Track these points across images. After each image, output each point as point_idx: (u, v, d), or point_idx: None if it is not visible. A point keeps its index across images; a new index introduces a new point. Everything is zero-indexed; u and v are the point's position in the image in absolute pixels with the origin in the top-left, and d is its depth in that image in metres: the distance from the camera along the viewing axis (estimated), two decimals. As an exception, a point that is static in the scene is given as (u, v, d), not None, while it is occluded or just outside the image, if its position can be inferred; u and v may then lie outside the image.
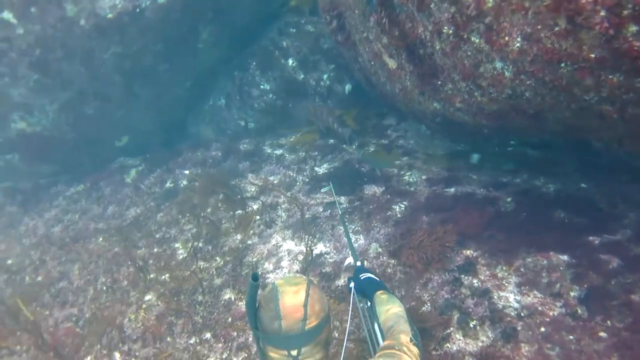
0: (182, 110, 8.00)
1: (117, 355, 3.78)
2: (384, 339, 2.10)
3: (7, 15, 5.08)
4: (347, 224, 4.44)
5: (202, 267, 4.43)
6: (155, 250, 4.84)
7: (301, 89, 7.03)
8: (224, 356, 3.60)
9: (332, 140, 6.04)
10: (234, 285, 4.19)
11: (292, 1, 7.37)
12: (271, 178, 5.61)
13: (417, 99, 3.86)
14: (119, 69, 6.06)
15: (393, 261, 3.97)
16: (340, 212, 3.18)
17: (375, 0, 3.46)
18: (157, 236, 5.07)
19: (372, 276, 2.46)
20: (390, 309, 2.20)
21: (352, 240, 3.20)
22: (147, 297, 4.26)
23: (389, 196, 4.73)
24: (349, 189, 4.98)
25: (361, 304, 2.43)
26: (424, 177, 4.89)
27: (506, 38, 2.63)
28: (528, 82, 2.75)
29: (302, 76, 7.01)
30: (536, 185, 4.40)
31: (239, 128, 7.53)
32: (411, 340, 2.04)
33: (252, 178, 5.64)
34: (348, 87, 6.94)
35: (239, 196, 5.21)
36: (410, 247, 3.91)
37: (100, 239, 5.22)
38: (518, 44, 2.59)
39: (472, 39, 2.86)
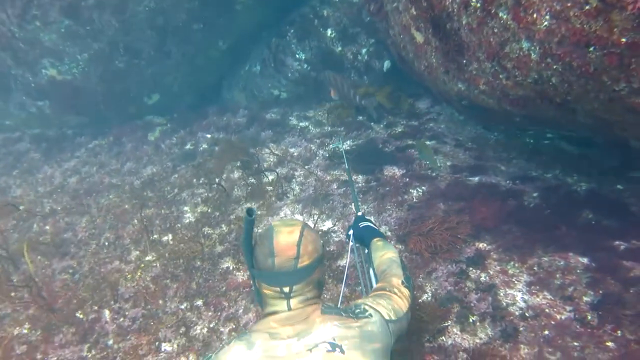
0: (216, 73, 8.02)
1: (106, 312, 3.87)
2: (377, 282, 2.26)
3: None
4: (358, 199, 4.40)
5: (206, 232, 4.47)
6: (163, 211, 4.90)
7: (338, 61, 6.91)
8: (211, 325, 3.63)
9: (361, 117, 5.94)
10: (234, 255, 4.21)
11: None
12: (292, 150, 5.58)
13: (442, 77, 3.71)
14: (152, 23, 6.11)
15: (400, 246, 3.89)
16: (347, 167, 3.27)
17: (404, -34, 3.32)
18: (168, 197, 5.14)
19: (371, 225, 2.63)
20: (384, 254, 2.37)
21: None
22: (147, 258, 4.33)
23: (407, 179, 4.61)
24: (368, 168, 4.89)
25: (358, 250, 2.63)
26: (448, 164, 4.74)
27: (534, 15, 2.46)
28: (554, 67, 2.58)
29: (339, 48, 6.88)
30: (567, 182, 4.19)
31: (271, 97, 7.51)
32: (402, 283, 2.21)
33: (273, 148, 5.62)
34: (387, 64, 6.76)
35: (256, 165, 5.21)
36: (420, 234, 3.81)
37: (112, 195, 5.34)
38: (546, 23, 2.42)
39: (500, 14, 2.70)
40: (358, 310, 2.02)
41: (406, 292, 2.21)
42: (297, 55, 7.07)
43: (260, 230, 2.02)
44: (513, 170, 4.47)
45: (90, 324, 3.79)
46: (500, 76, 3.05)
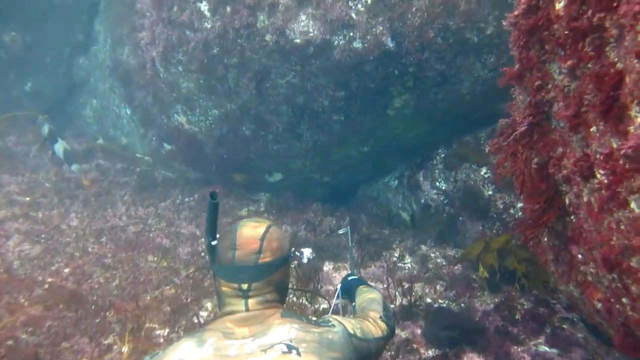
0: (353, 175, 7.67)
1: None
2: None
3: (204, 6, 5.44)
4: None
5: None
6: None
7: (482, 207, 6.01)
8: None
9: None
10: None
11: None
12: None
13: (551, 266, 2.70)
14: (290, 100, 6.00)
15: None
16: (351, 245, 3.46)
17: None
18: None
19: (360, 278, 2.79)
20: (367, 295, 2.48)
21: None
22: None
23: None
24: (442, 337, 3.89)
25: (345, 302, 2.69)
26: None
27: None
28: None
29: (489, 192, 5.99)
30: None
31: (398, 217, 6.86)
32: (380, 317, 2.27)
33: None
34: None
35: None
36: None
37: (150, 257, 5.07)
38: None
39: (632, 204, 1.76)
40: (321, 320, 2.06)
41: (382, 324, 2.24)
42: (437, 184, 6.35)
43: (226, 227, 2.08)
44: None
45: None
46: (623, 299, 2.02)
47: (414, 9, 5.32)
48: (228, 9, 5.35)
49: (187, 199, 6.29)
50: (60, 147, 6.32)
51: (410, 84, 5.93)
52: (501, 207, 5.86)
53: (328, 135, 6.46)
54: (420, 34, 5.42)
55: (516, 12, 2.60)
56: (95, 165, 6.80)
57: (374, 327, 2.21)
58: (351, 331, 2.04)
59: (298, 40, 5.35)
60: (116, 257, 4.85)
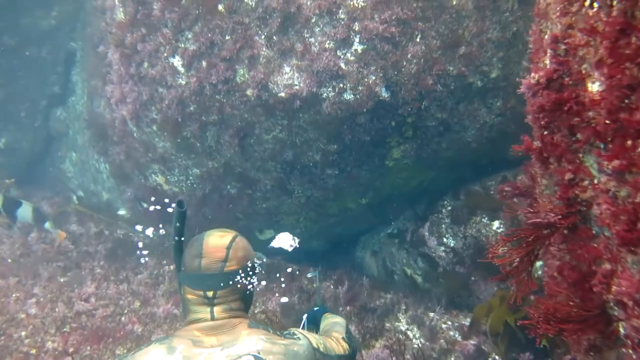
0: (352, 227, 7.19)
1: None
2: None
3: (177, 61, 5.00)
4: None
5: None
6: None
7: (499, 263, 5.50)
8: None
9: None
10: None
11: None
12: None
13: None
14: (278, 155, 5.53)
15: None
16: (318, 285, 3.33)
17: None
18: None
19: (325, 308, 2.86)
20: (330, 320, 2.64)
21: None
22: None
23: None
24: None
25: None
26: None
27: None
28: None
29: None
30: None
31: (405, 278, 6.33)
32: (343, 338, 2.39)
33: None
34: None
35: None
36: None
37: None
38: None
39: None
40: (286, 332, 2.13)
41: (344, 344, 2.35)
42: (445, 240, 5.84)
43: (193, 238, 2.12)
44: None
45: None
46: None
47: (409, 56, 4.88)
48: (204, 63, 4.91)
49: (166, 268, 5.74)
50: (26, 209, 5.81)
51: (409, 134, 5.47)
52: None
53: (322, 190, 5.97)
54: (418, 82, 4.98)
55: (535, 77, 2.12)
56: (67, 232, 6.28)
57: (337, 345, 2.30)
58: (315, 345, 2.12)
59: (282, 94, 4.90)
60: (79, 352, 4.27)
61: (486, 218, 5.62)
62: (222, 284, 2.05)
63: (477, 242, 5.57)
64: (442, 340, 4.64)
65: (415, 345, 4.61)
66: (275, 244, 4.95)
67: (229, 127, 5.27)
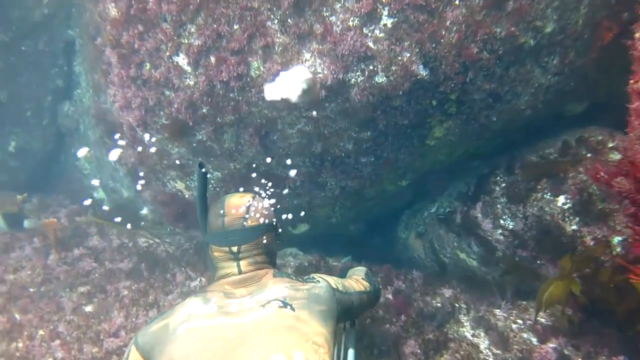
0: (391, 206, 6.70)
1: None
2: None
3: (182, 60, 4.41)
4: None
5: None
6: None
7: (569, 243, 4.87)
8: None
9: None
10: None
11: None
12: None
13: None
14: (305, 150, 4.98)
15: None
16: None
17: None
18: None
19: None
20: (353, 269, 3.08)
21: None
22: None
23: None
24: None
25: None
26: None
27: None
28: None
29: (573, 227, 4.79)
30: None
31: (458, 261, 5.83)
32: (363, 278, 2.76)
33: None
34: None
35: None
36: None
37: None
38: None
39: None
40: (307, 277, 2.41)
41: (365, 282, 2.69)
42: (502, 222, 5.26)
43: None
44: None
45: None
46: None
47: (448, 23, 4.20)
48: (212, 59, 4.30)
49: (194, 283, 5.32)
50: None
51: (453, 110, 4.84)
52: (591, 243, 4.73)
53: (357, 179, 5.43)
54: (460, 52, 4.31)
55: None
56: (88, 249, 5.90)
57: (356, 284, 2.56)
58: (334, 286, 2.35)
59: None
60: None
61: (549, 193, 4.99)
62: (244, 239, 2.33)
63: (540, 222, 4.97)
64: (515, 348, 4.14)
65: (487, 358, 4.12)
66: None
67: (248, 126, 4.72)
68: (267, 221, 2.40)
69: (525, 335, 4.24)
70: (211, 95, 4.42)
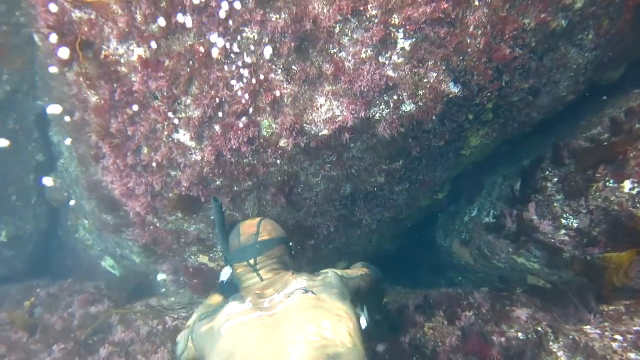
0: (424, 215, 6.30)
1: None
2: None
3: (184, 136, 3.90)
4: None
5: None
6: None
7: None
8: None
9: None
10: None
11: None
12: None
13: None
14: (334, 194, 4.53)
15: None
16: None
17: None
18: None
19: None
20: (354, 264, 3.49)
21: None
22: None
23: None
24: None
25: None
26: None
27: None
28: None
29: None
30: None
31: (515, 265, 5.41)
32: (363, 265, 3.31)
33: None
34: None
35: None
36: None
37: None
38: None
39: None
40: (318, 273, 2.86)
41: (364, 269, 3.20)
42: (564, 221, 4.82)
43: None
44: None
45: None
46: None
47: (471, 29, 3.70)
48: (217, 128, 3.80)
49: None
50: None
51: (489, 117, 4.38)
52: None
53: (394, 209, 5.00)
54: (491, 57, 3.83)
55: None
56: (115, 345, 5.43)
57: (357, 270, 3.13)
58: (340, 274, 2.86)
59: (325, 132, 3.82)
60: None
61: (611, 181, 4.54)
62: (258, 251, 2.82)
63: (608, 214, 4.53)
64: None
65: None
66: None
67: (269, 187, 4.24)
68: (277, 235, 2.98)
69: (633, 356, 3.81)
70: (223, 166, 3.94)
